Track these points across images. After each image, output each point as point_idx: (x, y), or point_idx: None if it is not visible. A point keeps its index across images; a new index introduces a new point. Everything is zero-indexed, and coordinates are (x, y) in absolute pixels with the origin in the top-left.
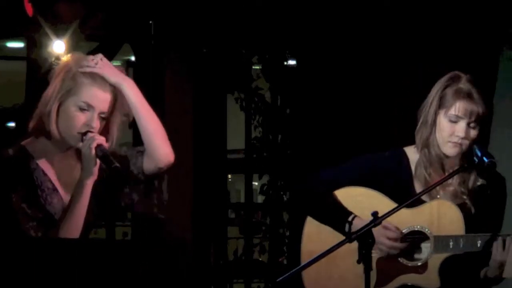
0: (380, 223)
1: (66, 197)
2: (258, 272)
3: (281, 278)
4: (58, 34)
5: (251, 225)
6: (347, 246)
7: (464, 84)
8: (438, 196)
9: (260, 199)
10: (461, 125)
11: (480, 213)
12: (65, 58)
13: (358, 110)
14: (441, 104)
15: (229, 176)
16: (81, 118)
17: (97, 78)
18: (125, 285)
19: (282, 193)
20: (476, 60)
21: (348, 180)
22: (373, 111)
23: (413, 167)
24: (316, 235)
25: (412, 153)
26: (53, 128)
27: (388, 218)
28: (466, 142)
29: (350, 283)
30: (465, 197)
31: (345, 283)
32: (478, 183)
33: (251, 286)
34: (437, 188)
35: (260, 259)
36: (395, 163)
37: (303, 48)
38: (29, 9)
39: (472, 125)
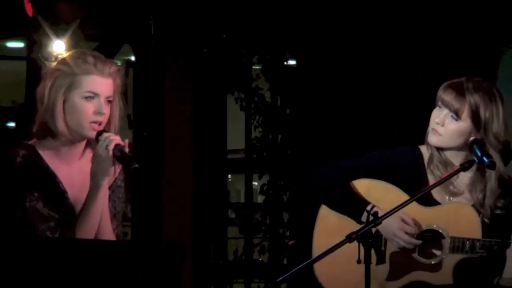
0: (380, 223)
1: (75, 198)
2: (258, 272)
3: (281, 278)
4: (58, 34)
5: (251, 225)
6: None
7: (459, 79)
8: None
9: (260, 199)
10: (442, 112)
11: (495, 221)
12: (58, 59)
13: (358, 110)
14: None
15: (229, 176)
16: (89, 107)
17: (95, 65)
18: (125, 285)
19: (282, 193)
20: (476, 60)
21: (363, 171)
22: (373, 111)
23: (426, 165)
24: (329, 229)
25: (426, 151)
26: (61, 125)
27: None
28: (443, 131)
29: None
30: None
31: (356, 276)
32: (498, 212)
33: (251, 286)
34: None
35: (260, 259)
36: (410, 159)
37: (303, 48)
38: (29, 9)
39: (453, 116)
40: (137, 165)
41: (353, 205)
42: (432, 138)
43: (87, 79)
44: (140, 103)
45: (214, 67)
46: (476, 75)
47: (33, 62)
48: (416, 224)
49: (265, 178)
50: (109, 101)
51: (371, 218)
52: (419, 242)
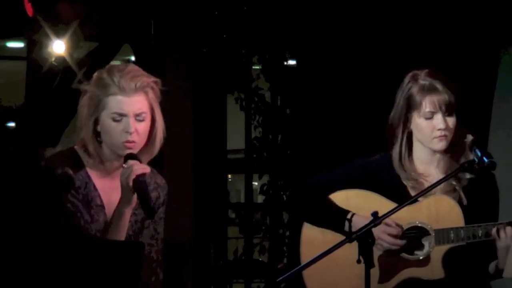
0: (380, 223)
1: (109, 215)
2: (258, 272)
3: (281, 278)
4: (58, 34)
5: (251, 225)
6: (348, 246)
7: (424, 80)
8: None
9: (260, 199)
10: (438, 117)
11: (475, 208)
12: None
13: (358, 110)
14: (410, 106)
15: (229, 176)
16: (118, 128)
17: (119, 84)
18: (125, 285)
19: (282, 193)
20: (476, 62)
21: (341, 184)
22: (373, 111)
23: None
24: (314, 240)
25: None
26: (91, 145)
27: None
28: (448, 133)
29: (352, 284)
30: (456, 192)
31: (347, 284)
32: (467, 177)
33: (251, 286)
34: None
35: (260, 259)
36: (385, 165)
37: (303, 48)
38: (29, 9)
39: (446, 114)
40: (152, 207)
41: (334, 218)
42: (440, 145)
43: (112, 100)
44: None
45: (214, 67)
46: (476, 77)
47: (33, 62)
48: (398, 225)
49: (265, 178)
50: (142, 118)
51: (352, 226)
52: (403, 242)
